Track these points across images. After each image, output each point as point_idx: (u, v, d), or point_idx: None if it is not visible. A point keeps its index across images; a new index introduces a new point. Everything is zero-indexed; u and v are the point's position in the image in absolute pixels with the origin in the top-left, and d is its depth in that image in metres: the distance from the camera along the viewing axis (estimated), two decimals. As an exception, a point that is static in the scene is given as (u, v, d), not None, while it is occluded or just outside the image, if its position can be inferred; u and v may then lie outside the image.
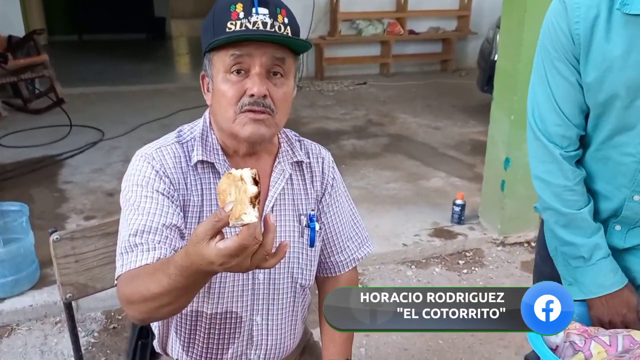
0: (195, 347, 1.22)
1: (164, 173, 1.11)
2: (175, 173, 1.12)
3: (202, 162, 1.14)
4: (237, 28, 1.03)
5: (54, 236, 1.36)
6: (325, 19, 7.27)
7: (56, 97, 5.36)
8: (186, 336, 1.22)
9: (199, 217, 1.14)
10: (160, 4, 10.98)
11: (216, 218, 0.80)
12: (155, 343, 1.30)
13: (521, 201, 3.20)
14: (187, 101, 5.62)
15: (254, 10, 1.04)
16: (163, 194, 1.09)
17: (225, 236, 0.82)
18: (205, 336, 1.21)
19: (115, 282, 1.06)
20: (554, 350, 1.14)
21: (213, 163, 1.14)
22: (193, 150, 1.14)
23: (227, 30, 1.04)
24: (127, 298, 1.00)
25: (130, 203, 1.09)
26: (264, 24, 1.04)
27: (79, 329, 1.47)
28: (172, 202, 1.10)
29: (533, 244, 3.29)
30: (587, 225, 1.24)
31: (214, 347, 1.22)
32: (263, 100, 1.06)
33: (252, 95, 1.05)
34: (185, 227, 1.12)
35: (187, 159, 1.14)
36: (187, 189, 1.13)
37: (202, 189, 1.14)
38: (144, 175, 1.10)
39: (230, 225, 0.80)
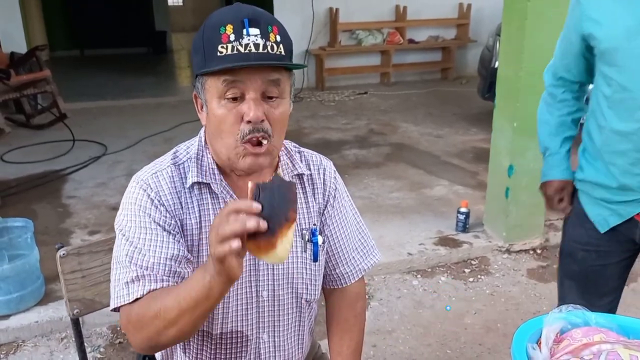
0: (203, 365, 1.21)
1: (159, 201, 1.09)
2: (171, 199, 1.10)
3: (198, 183, 1.12)
4: (229, 52, 0.99)
5: (61, 252, 1.35)
6: (325, 29, 7.31)
7: (59, 113, 5.40)
8: (193, 356, 1.20)
9: (198, 238, 1.12)
10: (160, 18, 11.09)
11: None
12: (162, 362, 1.29)
13: (526, 208, 3.19)
14: (189, 114, 5.63)
15: (244, 31, 1.00)
16: (160, 225, 1.08)
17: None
18: (213, 356, 1.19)
19: (112, 308, 1.07)
20: None
21: (209, 184, 1.13)
22: (189, 171, 1.12)
23: (219, 54, 1.00)
24: (134, 321, 1.02)
25: (131, 234, 1.07)
26: (256, 45, 1.00)
27: (85, 344, 1.46)
28: (171, 232, 1.08)
29: (539, 251, 3.28)
30: (550, 128, 1.68)
31: (222, 365, 1.20)
32: (261, 124, 1.03)
33: (249, 122, 1.03)
34: (189, 252, 1.11)
35: (183, 181, 1.12)
36: (183, 212, 1.11)
37: (199, 210, 1.12)
38: (139, 205, 1.08)
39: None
